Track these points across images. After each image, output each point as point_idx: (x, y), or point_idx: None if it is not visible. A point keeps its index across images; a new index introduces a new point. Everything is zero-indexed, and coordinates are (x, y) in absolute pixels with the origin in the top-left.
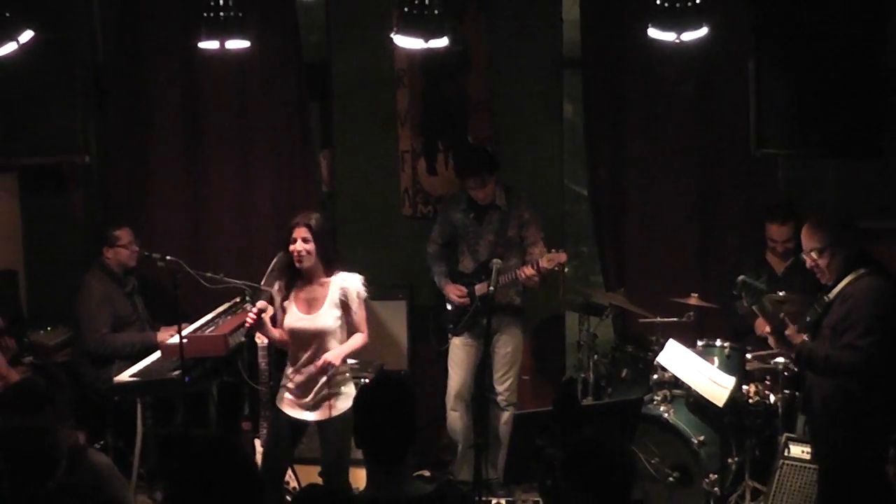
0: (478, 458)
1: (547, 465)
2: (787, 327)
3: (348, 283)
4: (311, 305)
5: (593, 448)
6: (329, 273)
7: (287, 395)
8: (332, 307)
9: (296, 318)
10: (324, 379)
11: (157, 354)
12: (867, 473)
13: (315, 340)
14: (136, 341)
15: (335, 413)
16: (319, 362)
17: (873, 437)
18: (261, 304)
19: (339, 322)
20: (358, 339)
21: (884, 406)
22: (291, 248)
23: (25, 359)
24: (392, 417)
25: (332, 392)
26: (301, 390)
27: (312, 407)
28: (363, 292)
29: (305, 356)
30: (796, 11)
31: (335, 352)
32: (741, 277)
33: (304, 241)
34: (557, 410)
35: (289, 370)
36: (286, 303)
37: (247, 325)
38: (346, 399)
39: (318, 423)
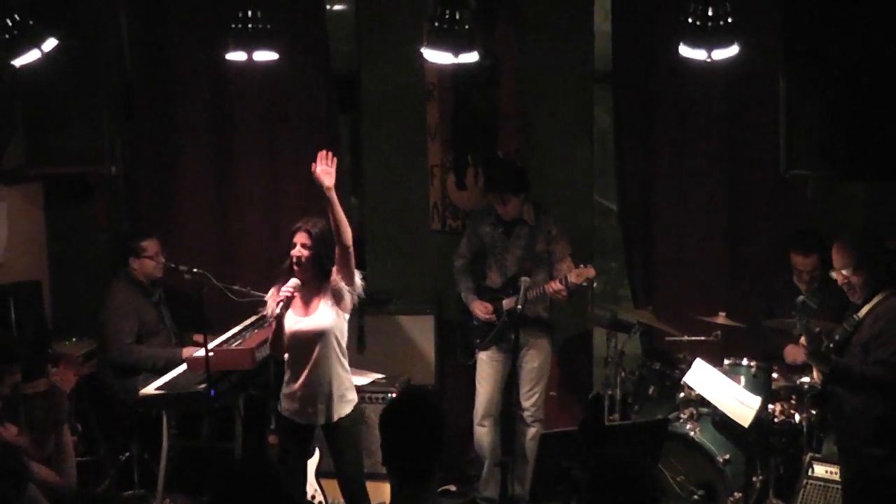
0: (504, 476)
1: (573, 486)
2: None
3: (339, 281)
4: (307, 307)
5: (619, 469)
6: (324, 278)
7: (289, 403)
8: (327, 306)
9: (294, 321)
10: (328, 382)
11: (183, 367)
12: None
13: (314, 342)
14: (159, 356)
15: (338, 417)
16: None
17: None
18: (295, 281)
19: (336, 319)
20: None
21: None
22: (291, 252)
23: (51, 371)
24: (419, 436)
25: (334, 396)
26: (303, 399)
27: (315, 413)
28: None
29: (304, 361)
30: (827, 32)
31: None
32: (801, 298)
33: (304, 246)
34: (582, 431)
35: (289, 379)
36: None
37: (286, 295)
38: (348, 405)
39: (323, 428)
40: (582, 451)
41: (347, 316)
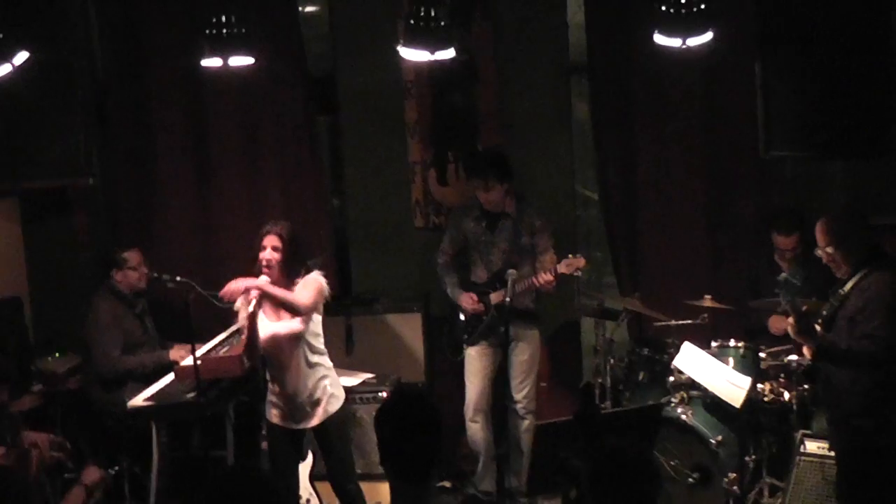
0: (500, 468)
1: (571, 476)
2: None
3: (307, 278)
4: (278, 311)
5: (618, 458)
6: (292, 279)
7: (274, 409)
8: None
9: (266, 326)
10: (309, 386)
11: (170, 377)
12: (887, 463)
13: (290, 346)
14: (147, 362)
15: (327, 416)
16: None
17: (892, 427)
18: (264, 278)
19: (304, 324)
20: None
21: None
22: (260, 255)
23: (35, 387)
24: (415, 434)
25: (320, 397)
26: (289, 403)
27: (304, 416)
28: (314, 279)
29: (285, 365)
30: (800, 13)
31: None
32: (783, 275)
33: (274, 249)
34: (579, 420)
35: (273, 385)
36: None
37: (255, 288)
38: (336, 401)
39: (313, 429)
40: (579, 441)
41: (320, 317)
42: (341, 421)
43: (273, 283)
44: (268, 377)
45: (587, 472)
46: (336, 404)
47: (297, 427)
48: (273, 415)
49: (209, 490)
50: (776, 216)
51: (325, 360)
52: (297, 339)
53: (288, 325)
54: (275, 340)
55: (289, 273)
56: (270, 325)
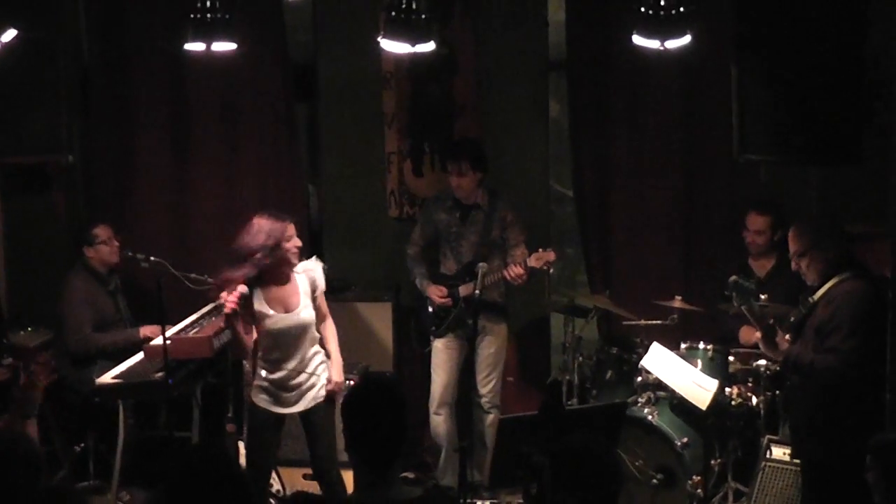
0: (462, 461)
1: (533, 472)
2: (776, 333)
3: (313, 270)
4: (287, 303)
5: (580, 453)
6: (291, 270)
7: (264, 394)
8: (307, 298)
9: (277, 319)
10: (309, 370)
11: (139, 356)
12: (850, 473)
13: (297, 336)
14: (118, 339)
15: (318, 401)
16: (334, 386)
17: (854, 440)
18: (242, 288)
19: (314, 312)
20: (333, 331)
21: (864, 409)
22: (288, 244)
23: (5, 360)
24: (382, 421)
25: (314, 383)
26: (282, 388)
27: (293, 400)
28: (323, 274)
29: (290, 352)
30: (778, 20)
31: (338, 370)
32: (733, 278)
33: (298, 236)
34: (543, 415)
35: (268, 373)
36: (256, 307)
37: (227, 310)
38: (323, 388)
39: (302, 414)
40: (541, 436)
41: None
42: (328, 406)
43: (283, 273)
44: (260, 362)
45: (549, 468)
46: (324, 390)
47: (284, 411)
48: (261, 399)
49: (174, 469)
50: (755, 199)
51: (319, 347)
52: (306, 328)
53: (300, 317)
54: (286, 331)
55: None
56: (283, 318)
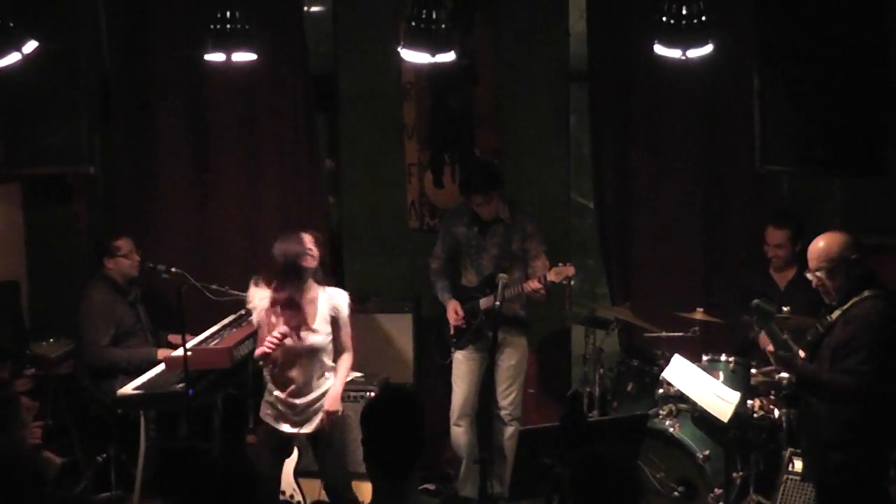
0: (483, 473)
1: (554, 483)
2: (790, 355)
3: (337, 298)
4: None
5: (601, 465)
6: (320, 283)
7: (270, 409)
8: (323, 323)
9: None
10: (316, 395)
11: (161, 367)
12: (867, 494)
13: (305, 357)
14: (134, 357)
15: (321, 427)
16: (327, 411)
17: (871, 460)
18: (283, 329)
19: (328, 338)
20: (347, 365)
21: (881, 430)
22: (307, 253)
23: (27, 371)
24: (400, 432)
25: (320, 405)
26: (291, 408)
27: (303, 422)
28: (348, 309)
29: (297, 373)
30: (801, 30)
31: (334, 397)
32: (755, 301)
33: (318, 247)
34: (564, 427)
35: (274, 390)
36: (273, 318)
37: (268, 350)
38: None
39: (309, 436)
40: (563, 448)
41: None
42: (341, 429)
43: (301, 286)
44: (269, 378)
45: (570, 480)
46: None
47: (289, 431)
48: (268, 415)
49: (195, 479)
50: (773, 212)
51: (332, 370)
52: (315, 352)
53: (311, 338)
54: (293, 350)
55: (319, 278)
56: (313, 337)
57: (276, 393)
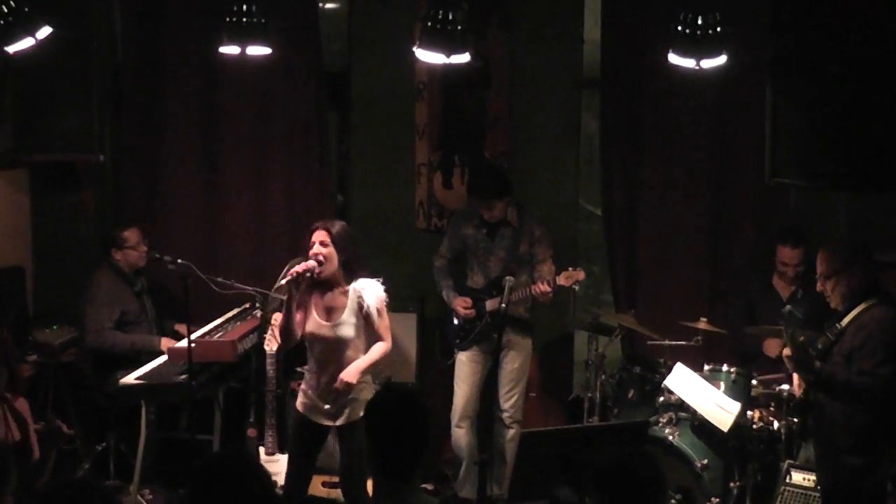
0: (482, 475)
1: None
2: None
3: (368, 290)
4: (330, 313)
5: (626, 470)
6: (349, 281)
7: (307, 400)
8: (351, 315)
9: (316, 324)
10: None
11: (163, 357)
12: (872, 502)
13: (335, 348)
14: (137, 342)
15: (352, 420)
16: (338, 383)
17: (881, 465)
18: (311, 263)
19: (357, 331)
20: (378, 350)
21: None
22: (310, 252)
23: (30, 357)
24: (402, 431)
25: (352, 398)
26: (322, 397)
27: (333, 413)
28: (383, 299)
29: (326, 363)
30: (814, 45)
31: (351, 370)
32: (788, 307)
33: (322, 244)
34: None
35: (308, 376)
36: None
37: (290, 276)
38: (363, 406)
39: (338, 428)
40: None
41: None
42: (360, 429)
43: (330, 280)
44: (308, 369)
45: (593, 484)
46: (362, 411)
47: (321, 422)
48: (300, 403)
49: (196, 472)
50: (782, 229)
51: None
52: (345, 343)
53: (337, 331)
54: (323, 339)
55: (347, 272)
56: (321, 325)
57: (314, 382)
